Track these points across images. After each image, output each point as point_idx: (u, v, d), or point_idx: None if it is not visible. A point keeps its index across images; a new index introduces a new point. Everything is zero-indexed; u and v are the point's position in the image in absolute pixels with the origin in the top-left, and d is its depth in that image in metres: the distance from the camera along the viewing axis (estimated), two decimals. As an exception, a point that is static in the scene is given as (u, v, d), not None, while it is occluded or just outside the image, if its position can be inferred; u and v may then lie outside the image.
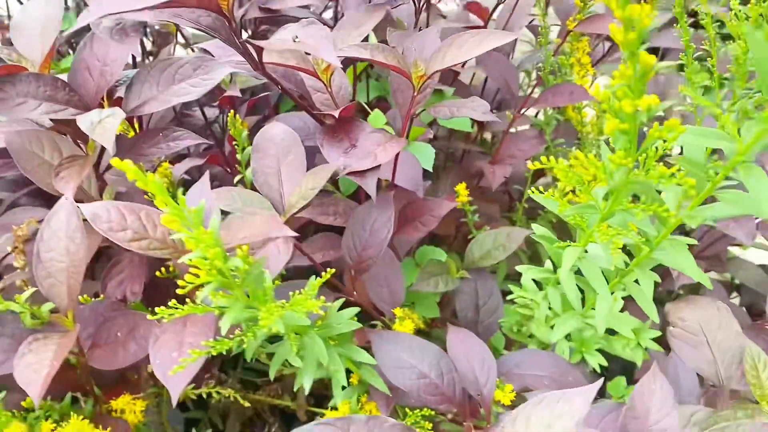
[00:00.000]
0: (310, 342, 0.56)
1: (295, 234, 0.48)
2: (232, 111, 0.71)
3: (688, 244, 0.55)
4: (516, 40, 1.38)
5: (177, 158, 0.85)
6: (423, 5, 0.77)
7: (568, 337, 0.80)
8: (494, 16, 1.15)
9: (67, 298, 0.48)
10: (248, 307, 0.46)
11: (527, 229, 0.90)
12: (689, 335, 0.66)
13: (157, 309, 0.42)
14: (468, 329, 0.89)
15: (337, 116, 0.64)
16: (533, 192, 0.56)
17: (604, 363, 0.77)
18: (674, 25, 1.34)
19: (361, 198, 0.80)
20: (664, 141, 0.44)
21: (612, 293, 0.64)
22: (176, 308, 0.43)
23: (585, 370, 0.83)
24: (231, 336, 0.46)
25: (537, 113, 1.15)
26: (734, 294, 1.21)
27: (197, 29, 0.55)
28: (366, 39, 0.70)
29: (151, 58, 1.20)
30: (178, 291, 0.41)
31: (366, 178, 0.62)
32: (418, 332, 0.89)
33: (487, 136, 1.34)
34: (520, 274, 1.20)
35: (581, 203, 0.52)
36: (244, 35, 1.03)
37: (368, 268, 0.66)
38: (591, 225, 0.55)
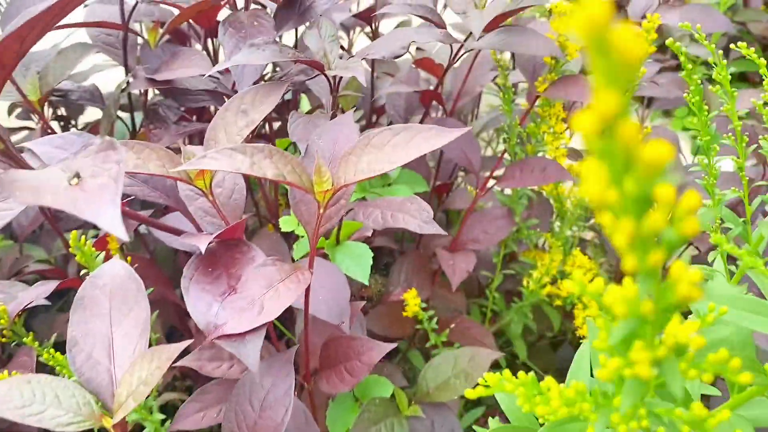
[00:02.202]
0: None
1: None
2: (74, 231, 0.52)
3: None
4: (480, 93, 1.20)
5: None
6: (339, 80, 0.58)
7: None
8: (454, 65, 0.97)
9: None
10: None
11: (495, 352, 0.71)
12: None
13: None
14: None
15: (202, 249, 0.45)
16: None
17: None
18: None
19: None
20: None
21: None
22: None
23: None
24: None
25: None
26: None
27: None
28: (257, 129, 0.51)
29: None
30: None
31: (245, 345, 0.42)
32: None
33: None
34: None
35: (558, 419, 0.32)
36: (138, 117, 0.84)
37: (259, 462, 0.46)
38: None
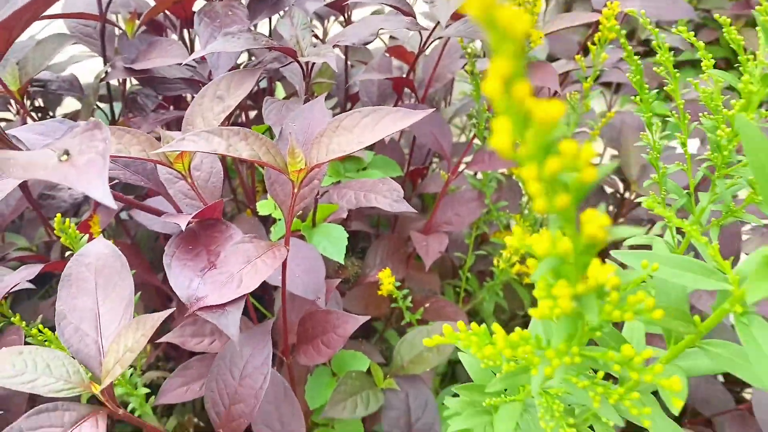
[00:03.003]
0: None
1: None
2: (58, 214, 0.54)
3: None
4: (453, 80, 1.23)
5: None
6: (311, 67, 0.61)
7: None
8: (425, 52, 1.01)
9: None
10: None
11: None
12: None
13: None
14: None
15: (183, 227, 0.47)
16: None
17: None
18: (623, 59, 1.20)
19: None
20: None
21: None
22: None
23: None
24: None
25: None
26: None
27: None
28: (231, 114, 0.53)
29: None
30: None
31: (225, 315, 0.45)
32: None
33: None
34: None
35: (510, 371, 0.35)
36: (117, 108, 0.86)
37: (241, 428, 0.49)
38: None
